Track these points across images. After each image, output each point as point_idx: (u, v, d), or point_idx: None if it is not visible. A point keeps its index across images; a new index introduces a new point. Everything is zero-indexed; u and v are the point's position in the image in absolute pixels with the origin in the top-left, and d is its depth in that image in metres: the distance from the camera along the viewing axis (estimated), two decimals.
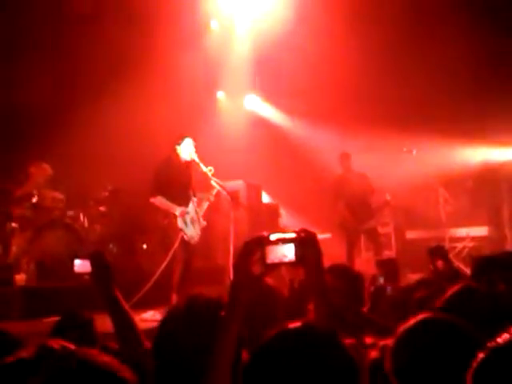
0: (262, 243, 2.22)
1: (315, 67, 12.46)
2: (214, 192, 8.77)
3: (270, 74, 13.42)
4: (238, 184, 11.46)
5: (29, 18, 11.40)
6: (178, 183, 8.44)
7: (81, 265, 3.16)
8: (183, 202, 8.48)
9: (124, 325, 3.06)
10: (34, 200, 9.83)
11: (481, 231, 12.55)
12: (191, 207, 8.58)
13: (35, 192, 9.82)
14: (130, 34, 11.51)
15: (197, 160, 8.51)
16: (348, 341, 2.07)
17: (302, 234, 2.28)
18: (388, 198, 10.75)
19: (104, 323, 3.37)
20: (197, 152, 8.59)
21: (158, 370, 2.39)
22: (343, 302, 3.50)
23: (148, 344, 2.83)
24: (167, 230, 8.46)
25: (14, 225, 9.79)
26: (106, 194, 10.98)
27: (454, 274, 4.76)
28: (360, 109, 12.82)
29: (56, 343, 2.72)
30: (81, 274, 3.18)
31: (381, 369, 2.20)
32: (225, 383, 2.13)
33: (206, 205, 8.83)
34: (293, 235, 2.25)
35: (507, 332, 1.84)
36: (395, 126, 12.10)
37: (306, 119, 13.71)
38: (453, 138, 12.42)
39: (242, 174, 11.99)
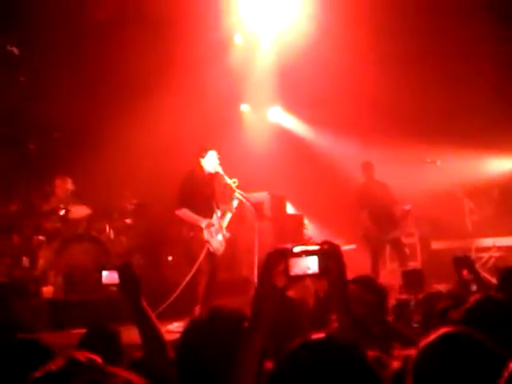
0: (286, 255, 2.24)
1: (338, 79, 12.46)
2: (236, 204, 8.79)
3: (293, 86, 13.43)
4: (262, 195, 11.48)
5: (50, 31, 11.52)
6: (202, 195, 8.48)
7: (108, 276, 3.16)
8: (207, 214, 8.52)
9: (151, 336, 3.07)
10: (61, 213, 9.93)
11: (507, 241, 12.42)
12: (215, 219, 8.61)
13: (62, 205, 9.93)
14: (155, 48, 11.61)
15: (221, 172, 8.55)
16: (371, 353, 2.08)
17: (326, 246, 2.29)
18: (407, 208, 10.68)
19: (131, 334, 3.40)
20: (221, 164, 8.62)
21: (181, 381, 2.41)
22: (369, 313, 3.49)
23: (173, 355, 2.85)
24: (192, 242, 8.48)
25: (41, 238, 9.90)
26: (132, 206, 11.06)
27: (480, 284, 4.72)
28: (383, 119, 12.79)
29: (82, 355, 2.76)
30: (108, 286, 3.19)
31: (403, 379, 2.19)
32: None
33: (228, 216, 8.86)
34: (316, 247, 2.26)
35: None
36: (419, 136, 12.06)
37: (329, 130, 13.70)
38: (477, 148, 12.36)
39: (266, 185, 12.01)
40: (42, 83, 11.84)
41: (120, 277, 3.13)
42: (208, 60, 12.40)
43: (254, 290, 2.30)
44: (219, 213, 8.78)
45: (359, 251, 11.58)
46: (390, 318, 4.51)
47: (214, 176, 8.68)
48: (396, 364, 2.62)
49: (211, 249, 8.40)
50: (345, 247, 12.84)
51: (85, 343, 3.73)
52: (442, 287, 7.69)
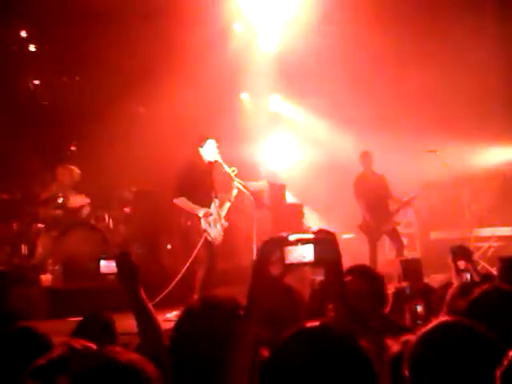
0: (281, 244, 2.23)
1: (337, 67, 12.44)
2: (235, 193, 8.79)
3: (293, 75, 13.41)
4: (261, 184, 11.48)
5: (55, 19, 11.52)
6: (200, 184, 8.47)
7: (106, 265, 3.15)
8: (206, 203, 8.52)
9: (147, 325, 3.08)
10: (60, 201, 9.94)
11: (506, 231, 12.44)
12: (213, 208, 8.61)
13: (61, 194, 9.93)
14: (154, 36, 11.59)
15: (220, 161, 8.54)
16: (366, 342, 2.07)
17: (321, 235, 2.29)
18: (406, 199, 10.69)
19: (129, 323, 3.40)
20: (220, 153, 8.61)
21: (175, 368, 2.41)
22: (364, 303, 3.48)
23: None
24: (190, 231, 8.48)
25: (39, 226, 9.91)
26: (131, 195, 11.07)
27: (476, 275, 4.71)
28: (384, 109, 12.78)
29: (78, 343, 2.76)
30: (106, 275, 3.18)
31: (401, 363, 2.18)
32: (243, 381, 2.15)
33: (227, 206, 8.85)
34: (312, 236, 2.26)
35: None
36: (419, 125, 12.06)
37: (329, 119, 13.69)
38: (477, 138, 12.35)
39: (265, 174, 12.02)
40: (42, 71, 11.83)
41: (118, 266, 3.13)
42: (207, 49, 12.36)
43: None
44: (217, 202, 8.77)
45: (358, 240, 11.59)
46: (388, 309, 4.50)
47: (213, 165, 8.66)
48: (395, 348, 2.62)
49: (209, 238, 8.40)
50: (344, 236, 12.86)
51: (80, 331, 3.74)
52: (440, 277, 7.70)
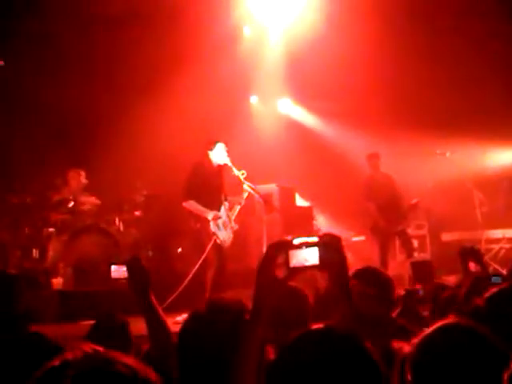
0: (286, 247, 2.25)
1: (347, 70, 12.42)
2: (245, 196, 8.81)
3: (302, 78, 13.40)
4: (271, 187, 11.48)
5: (63, 23, 11.56)
6: (210, 188, 8.50)
7: (117, 270, 3.17)
8: (215, 206, 8.54)
9: (157, 329, 3.10)
10: (71, 205, 9.99)
11: None
12: (223, 211, 8.63)
13: (72, 197, 9.98)
14: (164, 40, 11.61)
15: (229, 164, 8.56)
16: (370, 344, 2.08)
17: (326, 238, 2.30)
18: (414, 202, 10.65)
19: (140, 326, 3.42)
20: (230, 156, 8.63)
21: (182, 372, 2.43)
22: (372, 306, 3.48)
23: None
24: (200, 233, 8.51)
25: (51, 230, 9.97)
26: (142, 198, 11.09)
27: (486, 276, 4.69)
28: (393, 111, 12.75)
29: (88, 347, 2.77)
30: (117, 280, 3.20)
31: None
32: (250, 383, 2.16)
33: (237, 208, 8.87)
34: (316, 239, 2.27)
35: None
36: (429, 127, 12.02)
37: (338, 122, 13.68)
38: (487, 140, 12.31)
39: (275, 177, 12.02)
40: (54, 77, 11.88)
41: (129, 271, 3.14)
42: (217, 52, 12.40)
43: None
44: (227, 205, 8.80)
45: (368, 243, 11.58)
46: (397, 311, 4.50)
47: (223, 168, 8.69)
48: (407, 348, 2.62)
49: (218, 241, 8.42)
50: (354, 238, 12.86)
51: (93, 334, 3.75)
52: (451, 279, 7.68)
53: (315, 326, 1.96)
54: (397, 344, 3.05)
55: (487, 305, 2.84)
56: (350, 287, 2.93)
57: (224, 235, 8.55)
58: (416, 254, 11.20)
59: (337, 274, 2.32)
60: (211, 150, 8.56)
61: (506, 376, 1.89)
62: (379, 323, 3.33)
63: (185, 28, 11.66)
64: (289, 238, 2.27)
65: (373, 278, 3.89)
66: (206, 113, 12.30)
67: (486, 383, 1.97)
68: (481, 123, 11.92)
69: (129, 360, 1.64)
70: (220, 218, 8.52)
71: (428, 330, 2.13)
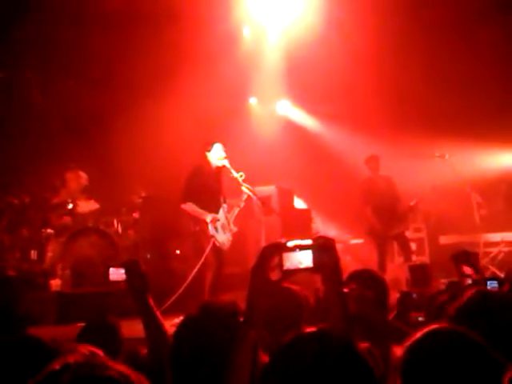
0: (280, 249, 2.25)
1: (346, 72, 12.42)
2: (244, 198, 8.80)
3: (301, 80, 13.40)
4: (270, 189, 11.47)
5: (64, 22, 11.57)
6: (208, 190, 8.49)
7: (115, 273, 3.19)
8: (214, 208, 8.54)
9: (155, 332, 3.11)
10: (70, 207, 9.99)
11: None
12: (221, 213, 8.63)
13: (70, 199, 9.98)
14: (163, 41, 11.61)
15: (227, 165, 8.55)
16: (363, 345, 2.08)
17: (320, 241, 2.30)
18: (412, 203, 10.63)
19: (137, 328, 3.43)
20: (228, 158, 8.63)
21: (175, 375, 2.43)
22: (368, 308, 3.48)
23: None
24: (198, 236, 8.52)
25: (49, 231, 9.96)
26: (140, 200, 11.07)
27: (481, 280, 4.69)
28: (391, 113, 12.76)
29: (85, 349, 2.78)
30: (115, 282, 3.21)
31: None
32: None
33: (236, 211, 8.87)
34: (310, 242, 2.27)
35: None
36: (427, 130, 12.02)
37: (337, 124, 13.68)
38: (486, 142, 12.31)
39: (274, 179, 12.02)
40: (54, 77, 11.89)
41: (127, 274, 3.15)
42: (216, 53, 12.39)
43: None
44: (226, 207, 8.80)
45: (367, 245, 11.58)
46: (392, 314, 4.50)
47: (221, 169, 8.68)
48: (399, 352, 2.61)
49: (217, 243, 8.42)
50: (352, 241, 12.86)
51: (84, 335, 3.76)
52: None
53: (308, 329, 1.96)
54: (397, 348, 3.05)
55: (457, 314, 2.84)
56: (348, 290, 2.93)
57: (223, 238, 8.55)
58: (414, 257, 11.18)
59: (330, 276, 2.33)
60: (209, 151, 8.56)
61: (506, 380, 1.90)
62: (375, 325, 3.33)
63: (184, 29, 11.65)
64: (283, 240, 2.28)
65: (368, 280, 3.89)
66: (204, 114, 12.31)
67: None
68: (480, 126, 11.92)
69: (121, 367, 1.64)
70: (218, 220, 8.52)
71: (417, 335, 2.13)
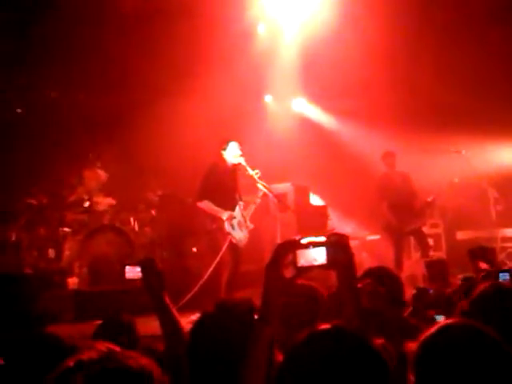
0: (294, 247, 2.26)
1: (362, 69, 12.39)
2: (260, 195, 8.82)
3: (317, 77, 13.37)
4: (286, 186, 11.48)
5: (79, 21, 11.61)
6: (224, 187, 8.51)
7: (131, 271, 3.19)
8: (230, 205, 8.56)
9: (171, 329, 3.12)
10: (87, 205, 10.05)
11: None
12: (238, 211, 8.64)
13: (87, 197, 10.04)
14: (179, 40, 11.62)
15: (243, 163, 8.56)
16: (378, 341, 2.08)
17: (334, 238, 2.31)
18: (430, 199, 10.57)
19: (153, 326, 3.45)
20: (245, 155, 8.64)
21: (192, 371, 2.45)
22: (382, 305, 3.47)
23: None
24: (215, 233, 8.53)
25: (66, 229, 10.03)
26: (156, 198, 11.13)
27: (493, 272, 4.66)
28: (408, 109, 12.71)
29: (103, 346, 2.79)
30: (131, 281, 3.22)
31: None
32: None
33: (252, 208, 8.88)
34: (324, 239, 2.28)
35: None
36: (444, 126, 11.97)
37: (353, 120, 13.65)
38: (502, 137, 12.24)
39: (290, 176, 12.02)
40: (70, 76, 11.95)
41: (143, 272, 3.16)
42: (231, 51, 12.39)
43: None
44: (242, 204, 8.81)
45: (383, 242, 11.55)
46: (408, 310, 4.49)
47: (237, 167, 8.69)
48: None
49: (234, 240, 8.44)
50: (369, 237, 12.83)
51: (100, 333, 3.78)
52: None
53: (323, 326, 1.97)
54: (411, 344, 3.04)
55: (471, 308, 2.84)
56: (362, 286, 2.93)
57: (239, 235, 8.57)
58: (431, 253, 11.13)
59: (344, 273, 2.34)
60: (224, 149, 8.58)
61: None
62: (391, 322, 3.33)
63: (199, 27, 11.66)
64: (297, 237, 2.29)
65: (383, 276, 3.88)
66: (220, 112, 12.32)
67: (489, 381, 1.97)
68: (496, 121, 11.85)
69: (142, 360, 1.66)
70: (234, 218, 8.53)
71: (430, 330, 2.13)
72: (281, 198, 9.70)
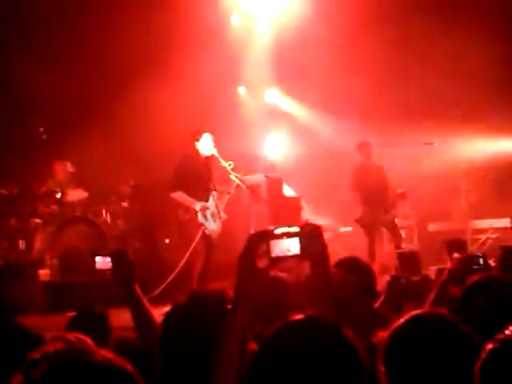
0: (267, 237, 2.25)
1: (335, 60, 12.41)
2: (234, 186, 8.82)
3: (290, 68, 13.37)
4: (258, 177, 11.47)
5: (52, 5, 11.48)
6: (197, 178, 8.49)
7: (102, 261, 3.19)
8: (203, 196, 8.54)
9: (142, 320, 3.12)
10: (58, 196, 9.97)
11: (504, 223, 12.41)
12: (211, 201, 8.63)
13: (58, 189, 9.96)
14: (151, 29, 11.56)
15: (216, 155, 8.56)
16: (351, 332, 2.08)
17: (307, 228, 2.30)
18: (400, 191, 10.64)
19: (125, 317, 3.43)
20: (217, 147, 8.63)
21: (164, 363, 2.44)
22: (352, 295, 3.48)
23: None
24: (188, 224, 8.51)
25: (37, 221, 9.94)
26: (129, 189, 11.07)
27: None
28: (381, 101, 12.75)
29: (72, 336, 2.78)
30: (102, 271, 3.21)
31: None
32: (232, 375, 2.16)
33: (226, 198, 8.88)
34: (297, 229, 2.28)
35: None
36: (416, 118, 12.03)
37: (327, 112, 13.66)
38: (474, 130, 12.33)
39: (263, 167, 12.01)
40: (41, 64, 11.81)
41: (113, 262, 3.15)
42: (204, 41, 12.34)
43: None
44: (216, 195, 8.79)
45: (356, 233, 11.59)
46: (381, 299, 4.51)
47: (210, 158, 8.68)
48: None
49: (206, 231, 8.43)
50: (342, 229, 12.87)
51: (73, 325, 3.77)
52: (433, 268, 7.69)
53: (296, 316, 1.96)
54: (381, 334, 3.05)
55: (464, 295, 2.87)
56: (331, 274, 2.92)
57: (212, 226, 8.56)
58: (403, 245, 11.21)
59: (318, 263, 2.33)
60: (198, 140, 8.56)
61: (477, 366, 1.91)
62: (359, 312, 3.34)
63: (172, 17, 11.60)
64: (271, 227, 2.28)
65: (353, 266, 3.89)
66: (193, 103, 12.25)
67: (457, 373, 1.98)
68: (468, 113, 11.94)
69: (104, 352, 1.63)
70: (208, 208, 8.52)
71: (400, 321, 2.14)
72: (254, 188, 9.69)
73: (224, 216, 8.83)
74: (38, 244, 9.75)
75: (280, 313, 2.88)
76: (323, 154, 13.73)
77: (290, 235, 2.25)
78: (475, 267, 3.90)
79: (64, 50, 11.93)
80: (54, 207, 9.95)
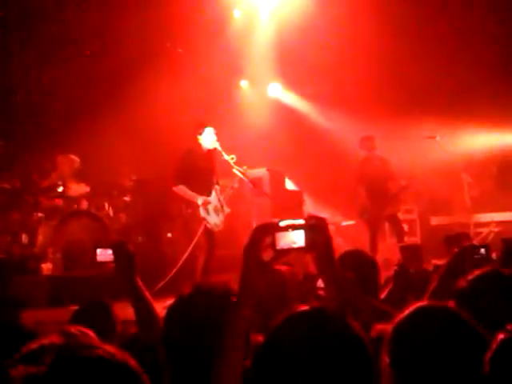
0: (272, 229, 2.25)
1: (337, 54, 12.39)
2: (237, 180, 8.81)
3: (293, 62, 13.36)
4: (261, 171, 11.48)
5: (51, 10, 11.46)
6: (200, 172, 8.48)
7: (103, 254, 3.19)
8: (205, 190, 8.53)
9: (145, 313, 3.11)
10: (60, 190, 9.96)
11: (506, 216, 12.42)
12: (214, 196, 8.62)
13: (61, 182, 9.95)
14: (153, 23, 11.53)
15: (219, 148, 8.54)
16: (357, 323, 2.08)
17: (312, 221, 2.30)
18: (403, 183, 10.62)
19: (126, 310, 3.43)
20: (220, 140, 8.61)
21: (168, 355, 2.43)
22: (352, 290, 3.46)
23: None
24: (190, 218, 8.51)
25: (40, 215, 9.94)
26: (131, 183, 11.07)
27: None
28: (383, 95, 12.74)
29: (74, 329, 2.78)
30: (103, 263, 3.21)
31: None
32: (236, 367, 2.16)
33: (230, 192, 8.87)
34: (302, 222, 2.28)
35: None
36: (418, 111, 12.02)
37: (329, 106, 13.66)
38: (477, 123, 12.32)
39: (265, 161, 12.02)
40: (41, 58, 11.80)
41: (114, 254, 3.15)
42: (207, 35, 12.32)
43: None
44: (219, 189, 8.79)
45: (358, 227, 11.59)
46: (385, 291, 4.50)
47: (213, 152, 8.67)
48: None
49: (208, 225, 8.43)
50: (344, 223, 12.88)
51: (77, 319, 3.76)
52: (440, 263, 7.67)
53: (302, 307, 1.95)
54: (386, 326, 3.04)
55: (470, 287, 2.86)
56: (337, 268, 2.92)
57: (215, 220, 8.55)
58: (406, 238, 11.21)
59: (323, 255, 2.33)
60: (200, 134, 8.54)
61: (487, 358, 1.90)
62: (360, 308, 3.32)
63: (175, 10, 11.57)
64: (276, 220, 2.28)
65: (355, 260, 3.87)
66: (195, 96, 12.25)
67: (462, 365, 1.98)
68: (471, 106, 11.92)
69: (107, 346, 1.62)
70: (210, 203, 8.51)
71: (403, 313, 2.13)
72: (256, 182, 9.68)
73: (228, 210, 8.82)
74: (40, 238, 9.74)
75: (279, 305, 2.88)
76: (325, 148, 13.74)
77: (295, 228, 2.25)
78: (477, 257, 3.87)
79: (65, 45, 11.92)
80: (56, 201, 9.94)
